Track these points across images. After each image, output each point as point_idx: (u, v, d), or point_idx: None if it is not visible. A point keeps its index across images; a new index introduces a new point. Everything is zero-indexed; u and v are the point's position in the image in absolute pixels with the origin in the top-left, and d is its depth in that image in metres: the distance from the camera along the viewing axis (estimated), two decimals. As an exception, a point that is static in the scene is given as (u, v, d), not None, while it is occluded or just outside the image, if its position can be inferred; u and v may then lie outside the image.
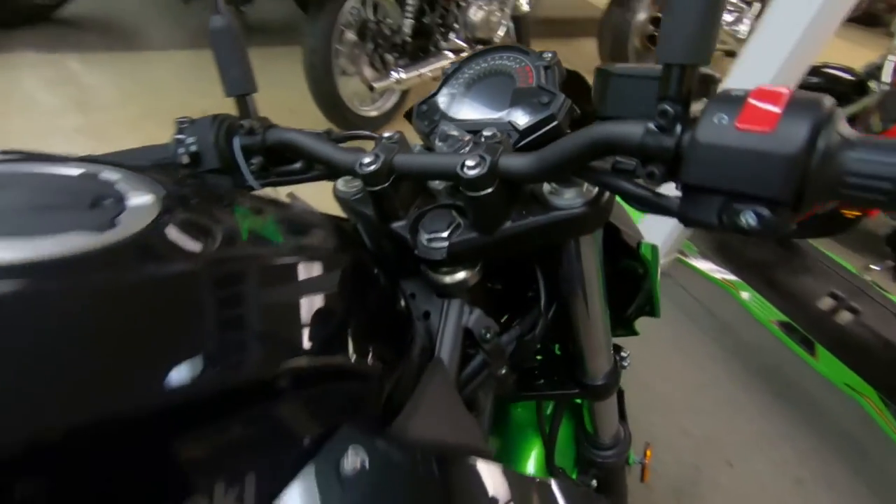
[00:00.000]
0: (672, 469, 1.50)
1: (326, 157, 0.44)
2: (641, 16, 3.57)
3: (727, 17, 3.77)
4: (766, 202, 0.25)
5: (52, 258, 0.23)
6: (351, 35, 2.29)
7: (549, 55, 0.45)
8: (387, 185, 0.41)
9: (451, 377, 0.43)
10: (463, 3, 2.67)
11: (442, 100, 0.48)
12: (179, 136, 0.47)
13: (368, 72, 2.38)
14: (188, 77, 2.54)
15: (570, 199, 0.38)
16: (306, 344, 0.29)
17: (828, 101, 0.24)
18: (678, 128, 0.28)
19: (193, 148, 0.46)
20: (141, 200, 0.29)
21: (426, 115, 0.47)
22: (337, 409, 0.30)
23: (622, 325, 0.61)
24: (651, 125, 0.29)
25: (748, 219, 0.26)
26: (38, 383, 0.19)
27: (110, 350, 0.22)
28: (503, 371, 0.49)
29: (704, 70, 0.30)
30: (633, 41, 3.66)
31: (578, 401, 0.70)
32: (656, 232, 2.07)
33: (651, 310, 0.57)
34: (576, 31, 4.55)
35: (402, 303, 0.44)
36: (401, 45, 2.40)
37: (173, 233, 0.28)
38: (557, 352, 0.63)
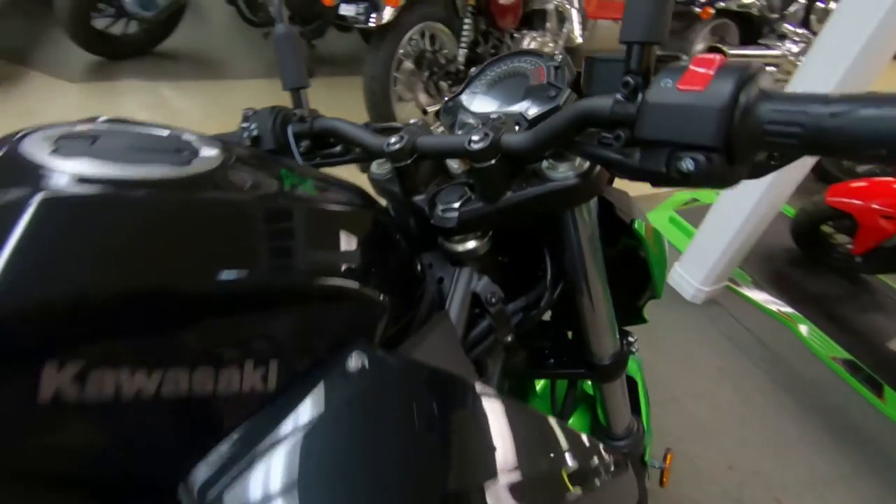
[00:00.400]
0: (716, 503, 1.44)
1: (362, 141, 0.52)
2: (698, 46, 3.55)
3: (793, 48, 3.68)
4: (701, 149, 0.30)
5: (144, 178, 0.31)
6: (409, 64, 2.45)
7: (560, 57, 0.52)
8: (409, 162, 0.48)
9: (458, 333, 0.49)
10: (517, 35, 2.79)
11: (465, 97, 0.55)
12: (244, 124, 0.57)
13: (423, 97, 2.53)
14: (262, 101, 2.79)
15: (563, 171, 0.43)
16: (331, 268, 0.36)
17: (755, 65, 0.29)
18: (639, 96, 0.33)
19: (255, 132, 0.56)
20: (210, 153, 0.38)
21: (451, 110, 0.55)
22: (349, 327, 0.37)
23: (633, 314, 0.63)
24: (618, 96, 0.34)
25: (687, 164, 0.30)
26: (132, 251, 0.28)
27: (178, 242, 0.30)
28: (509, 339, 0.53)
29: (668, 52, 0.36)
30: (690, 72, 3.64)
31: (592, 393, 0.73)
32: (702, 259, 2.03)
33: (654, 293, 0.59)
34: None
35: (419, 268, 0.51)
36: (454, 73, 2.54)
37: (231, 174, 0.36)
38: (570, 338, 0.66)
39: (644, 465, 0.83)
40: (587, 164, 0.44)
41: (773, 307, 2.12)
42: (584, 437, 0.46)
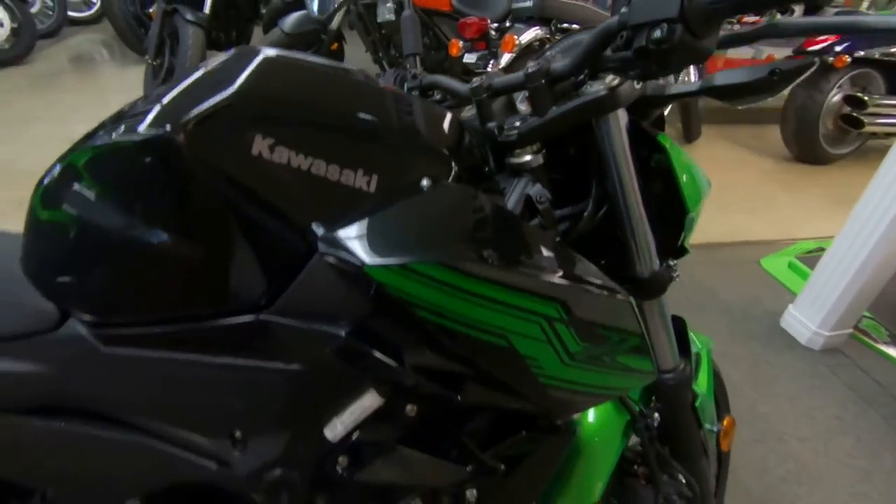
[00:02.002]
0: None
1: (456, 90, 0.71)
2: (836, 97, 3.35)
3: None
4: (666, 22, 0.43)
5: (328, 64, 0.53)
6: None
7: None
8: (485, 96, 0.65)
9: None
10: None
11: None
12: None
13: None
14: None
15: (596, 88, 0.57)
16: (437, 138, 0.54)
17: None
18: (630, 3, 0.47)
19: None
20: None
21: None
22: (428, 167, 0.53)
23: (677, 252, 0.70)
24: (623, 10, 0.49)
25: (656, 34, 0.43)
26: (324, 87, 0.48)
27: (348, 96, 0.50)
28: (557, 240, 0.66)
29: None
30: (823, 124, 3.42)
31: None
32: (820, 301, 1.88)
33: (685, 209, 0.66)
34: (762, 118, 4.40)
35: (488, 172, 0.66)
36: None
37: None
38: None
39: (699, 422, 0.84)
40: (615, 81, 0.57)
41: (915, 365, 1.86)
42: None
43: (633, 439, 0.83)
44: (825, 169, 3.55)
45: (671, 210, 0.68)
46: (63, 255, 0.51)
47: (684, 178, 0.63)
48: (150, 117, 0.45)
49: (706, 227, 2.73)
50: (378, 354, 0.49)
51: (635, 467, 0.91)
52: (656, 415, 0.80)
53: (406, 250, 0.44)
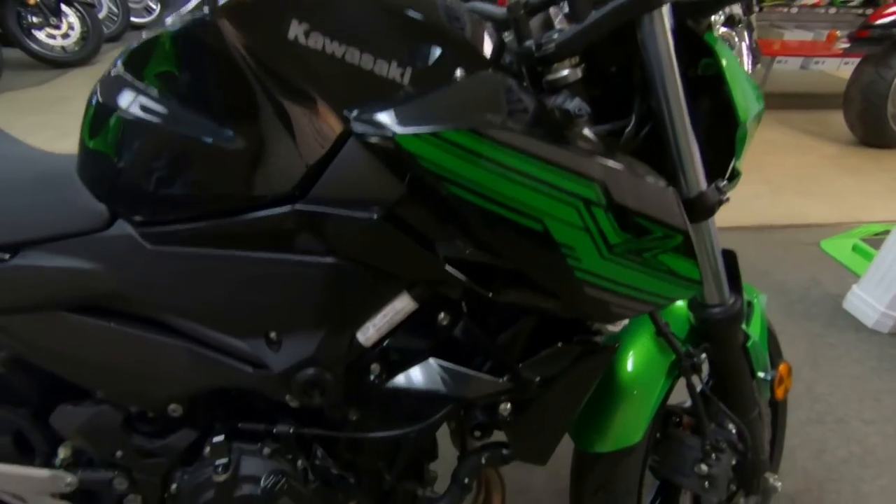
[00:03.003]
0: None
1: (492, 13, 0.70)
2: (905, 75, 3.11)
3: None
4: None
5: None
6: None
7: None
8: (522, 12, 0.64)
9: None
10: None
11: None
12: None
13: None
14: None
15: None
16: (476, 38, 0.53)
17: None
18: None
19: None
20: None
21: None
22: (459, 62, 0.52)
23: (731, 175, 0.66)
24: None
25: None
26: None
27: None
28: None
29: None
30: (892, 103, 3.18)
31: None
32: (888, 279, 1.74)
33: (737, 120, 0.62)
34: (821, 104, 4.15)
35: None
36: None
37: None
38: None
39: (751, 367, 0.79)
40: None
41: None
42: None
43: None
44: (893, 153, 3.30)
45: (720, 127, 0.64)
46: (110, 156, 0.53)
47: (735, 83, 0.59)
48: (191, 5, 0.47)
49: (760, 210, 2.60)
50: (411, 240, 0.49)
51: (680, 419, 0.86)
52: (704, 356, 0.75)
53: (438, 120, 0.43)
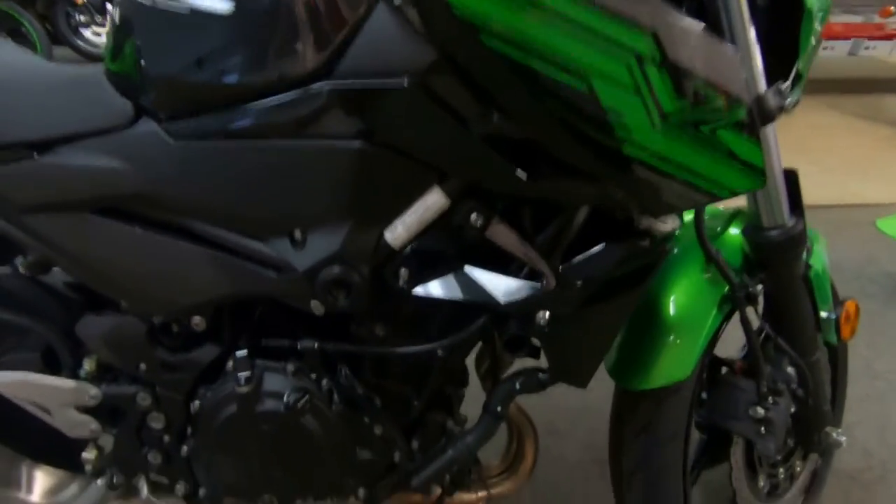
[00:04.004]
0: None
1: None
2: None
3: None
4: None
5: None
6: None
7: None
8: None
9: None
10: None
11: None
12: None
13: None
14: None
15: None
16: None
17: None
18: None
19: None
20: None
21: None
22: None
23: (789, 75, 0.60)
24: None
25: None
26: None
27: None
28: None
29: None
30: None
31: None
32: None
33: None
34: (872, 89, 3.94)
35: None
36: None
37: None
38: None
39: (813, 301, 0.72)
40: None
41: None
42: None
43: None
44: (956, 135, 3.09)
45: (780, 26, 0.58)
46: (137, 47, 0.52)
47: None
48: None
49: (808, 190, 2.44)
50: (442, 113, 0.45)
51: (731, 367, 0.80)
52: (760, 287, 0.69)
53: None
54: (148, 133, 0.54)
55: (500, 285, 0.55)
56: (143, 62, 0.52)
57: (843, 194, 2.41)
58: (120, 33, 0.55)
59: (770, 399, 0.70)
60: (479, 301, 0.55)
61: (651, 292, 0.71)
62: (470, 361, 0.72)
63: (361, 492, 0.69)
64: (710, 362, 0.76)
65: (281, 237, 0.54)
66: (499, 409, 0.64)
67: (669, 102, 0.43)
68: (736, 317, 0.71)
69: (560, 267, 0.54)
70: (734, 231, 0.72)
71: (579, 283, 0.53)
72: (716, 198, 0.49)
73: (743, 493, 0.80)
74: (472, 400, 0.71)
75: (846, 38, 3.89)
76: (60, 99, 0.57)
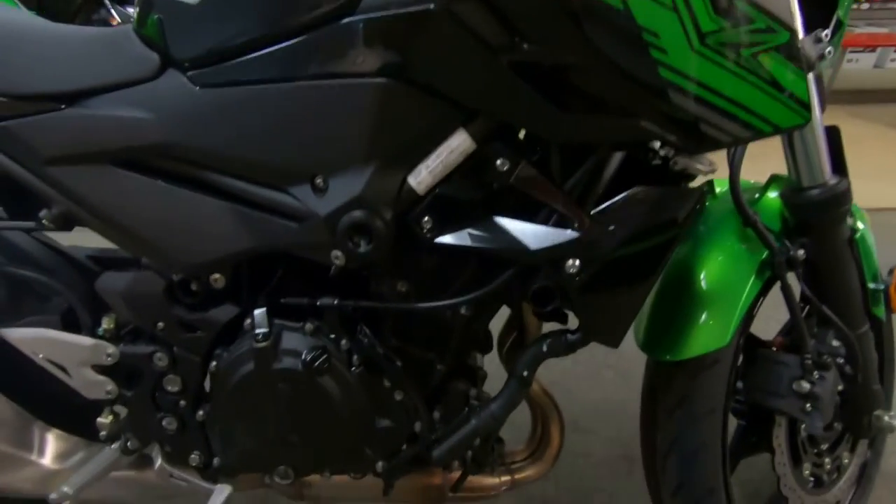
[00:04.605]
0: None
1: None
2: None
3: None
4: None
5: None
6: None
7: None
8: None
9: None
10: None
11: None
12: None
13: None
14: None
15: None
16: None
17: None
18: None
19: None
20: None
21: None
22: None
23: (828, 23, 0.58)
24: None
25: None
26: None
27: None
28: None
29: None
30: None
31: None
32: None
33: None
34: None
35: None
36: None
37: None
38: None
39: (859, 267, 0.68)
40: None
41: None
42: None
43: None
44: None
45: None
46: None
47: None
48: None
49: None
50: (468, 37, 0.44)
51: (770, 344, 0.75)
52: (802, 252, 0.65)
53: None
54: (174, 83, 0.54)
55: (528, 232, 0.52)
56: (173, 9, 0.52)
57: (873, 198, 2.34)
58: None
59: (815, 373, 0.65)
60: (506, 248, 0.53)
61: (685, 259, 0.68)
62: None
63: (380, 465, 0.66)
64: (747, 343, 0.72)
65: (303, 184, 0.53)
66: (525, 373, 0.61)
67: (708, 21, 0.41)
68: (775, 293, 0.67)
69: (591, 212, 0.51)
70: (772, 195, 0.69)
71: (611, 227, 0.51)
72: (757, 134, 0.47)
73: (787, 480, 0.74)
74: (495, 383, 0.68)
75: (872, 48, 3.82)
76: (89, 52, 0.58)
